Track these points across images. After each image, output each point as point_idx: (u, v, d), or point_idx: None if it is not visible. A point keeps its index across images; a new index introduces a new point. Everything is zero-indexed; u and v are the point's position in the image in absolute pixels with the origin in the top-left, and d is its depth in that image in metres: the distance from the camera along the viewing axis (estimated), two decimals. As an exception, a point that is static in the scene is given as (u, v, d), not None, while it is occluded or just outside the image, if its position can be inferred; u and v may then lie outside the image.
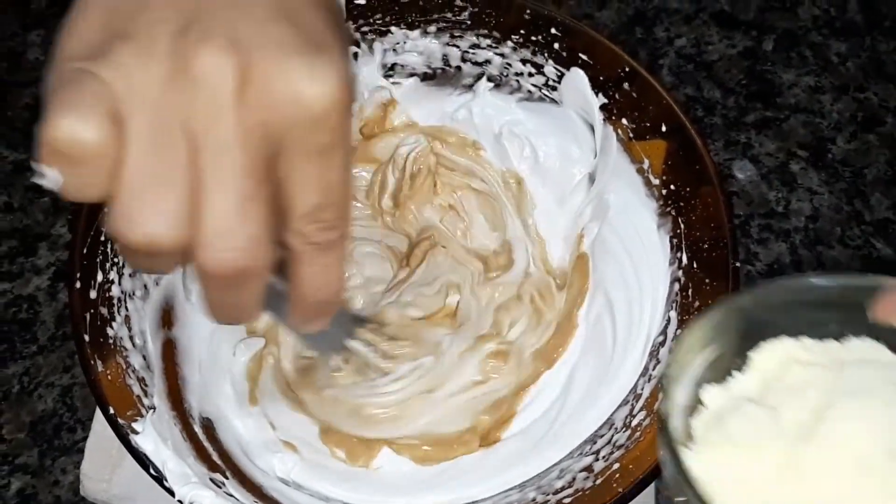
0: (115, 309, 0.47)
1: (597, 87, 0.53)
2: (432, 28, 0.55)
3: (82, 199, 0.26)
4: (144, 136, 0.26)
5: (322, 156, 0.28)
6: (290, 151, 0.27)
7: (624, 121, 0.53)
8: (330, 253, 0.30)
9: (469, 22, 0.55)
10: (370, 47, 0.56)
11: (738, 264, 0.46)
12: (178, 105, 0.26)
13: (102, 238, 0.47)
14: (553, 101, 0.56)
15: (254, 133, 0.26)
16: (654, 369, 0.48)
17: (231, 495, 0.43)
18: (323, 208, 0.28)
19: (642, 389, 0.47)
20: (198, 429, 0.47)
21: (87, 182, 0.25)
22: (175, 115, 0.26)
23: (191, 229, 0.26)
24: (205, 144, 0.26)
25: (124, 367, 0.45)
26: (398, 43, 0.56)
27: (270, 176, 0.27)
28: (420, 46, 0.56)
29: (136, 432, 0.43)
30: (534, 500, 0.45)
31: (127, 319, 0.47)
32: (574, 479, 0.45)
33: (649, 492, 0.50)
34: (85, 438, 0.54)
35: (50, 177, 0.25)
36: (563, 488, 0.45)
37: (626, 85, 0.52)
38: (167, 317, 0.50)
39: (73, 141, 0.25)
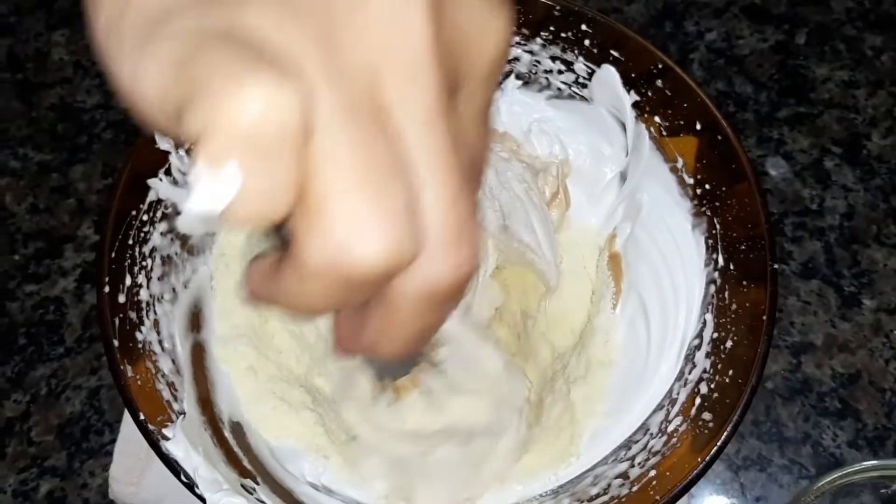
0: (144, 313, 0.46)
1: (628, 83, 0.52)
2: (460, 25, 0.55)
3: (263, 215, 0.18)
4: (339, 104, 0.18)
5: (487, 109, 0.23)
6: (461, 105, 0.22)
7: (656, 118, 0.52)
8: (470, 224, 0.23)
9: (497, 19, 0.54)
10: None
11: (776, 266, 0.45)
12: (359, 61, 0.19)
13: (130, 241, 0.47)
14: (583, 98, 0.55)
15: (445, 90, 0.20)
16: (689, 373, 0.47)
17: (262, 502, 0.43)
18: (470, 170, 0.23)
19: (678, 394, 0.47)
20: (228, 434, 0.47)
21: (279, 182, 0.18)
22: (361, 72, 0.19)
23: (416, 240, 0.20)
24: (405, 111, 0.19)
25: (154, 371, 0.45)
26: (425, 41, 0.55)
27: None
28: (447, 44, 0.56)
29: (166, 438, 0.42)
30: (568, 506, 0.44)
31: (156, 323, 0.47)
32: (609, 485, 0.44)
33: (682, 502, 0.49)
34: (113, 441, 0.54)
35: (225, 178, 0.17)
36: (597, 495, 0.44)
37: (658, 81, 0.51)
38: (196, 320, 0.50)
39: (268, 115, 0.17)
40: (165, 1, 0.19)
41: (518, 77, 0.56)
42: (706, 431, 0.43)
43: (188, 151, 0.49)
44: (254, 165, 0.17)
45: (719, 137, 0.49)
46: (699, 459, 0.41)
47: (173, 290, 0.49)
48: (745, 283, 0.46)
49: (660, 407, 0.47)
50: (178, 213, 0.49)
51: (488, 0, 0.22)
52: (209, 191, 0.17)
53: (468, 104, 0.22)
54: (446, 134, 0.20)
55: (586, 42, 0.52)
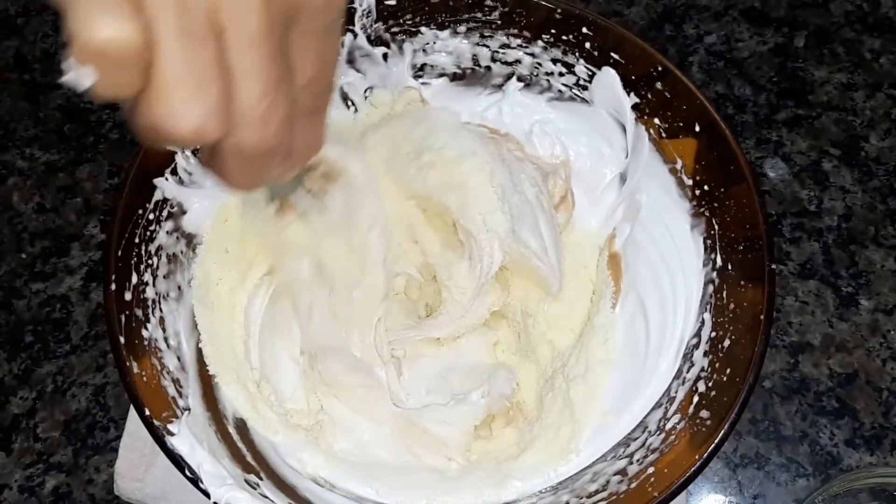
0: (150, 310, 0.47)
1: (628, 86, 0.53)
2: (462, 28, 0.55)
3: (114, 96, 0.26)
4: (174, 30, 0.26)
5: (325, 34, 0.31)
6: (298, 30, 0.29)
7: (656, 120, 0.52)
8: (317, 119, 0.34)
9: (499, 22, 0.54)
10: (400, 48, 0.56)
11: (774, 266, 0.45)
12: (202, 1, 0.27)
13: (137, 240, 0.47)
14: (584, 100, 0.55)
15: (276, 17, 0.28)
16: (688, 372, 0.47)
17: (266, 497, 0.43)
18: (318, 80, 0.31)
19: (676, 392, 0.47)
20: (232, 430, 0.47)
21: (121, 80, 0.26)
22: (200, 7, 0.26)
23: (228, 117, 0.28)
24: (234, 34, 0.27)
25: (159, 368, 0.46)
26: (428, 43, 0.56)
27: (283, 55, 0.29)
28: (450, 46, 0.56)
29: (171, 434, 0.43)
30: (567, 503, 0.45)
31: (161, 321, 0.47)
32: (608, 482, 0.45)
33: (680, 499, 0.50)
34: (118, 437, 0.54)
35: (83, 74, 0.25)
36: (596, 491, 0.45)
37: (658, 84, 0.51)
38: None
39: (111, 40, 0.25)
40: None
41: (520, 79, 0.57)
42: (704, 429, 0.44)
43: (193, 151, 0.50)
44: (103, 70, 0.25)
45: (718, 139, 0.49)
46: (697, 456, 0.42)
47: (179, 287, 0.50)
48: (743, 283, 0.47)
49: (658, 405, 0.47)
50: (183, 212, 0.50)
51: None
52: (75, 77, 0.25)
53: (305, 33, 0.30)
54: (265, 49, 0.28)
55: (587, 45, 0.53)
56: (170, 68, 0.27)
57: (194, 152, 0.50)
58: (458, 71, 0.57)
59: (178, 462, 0.42)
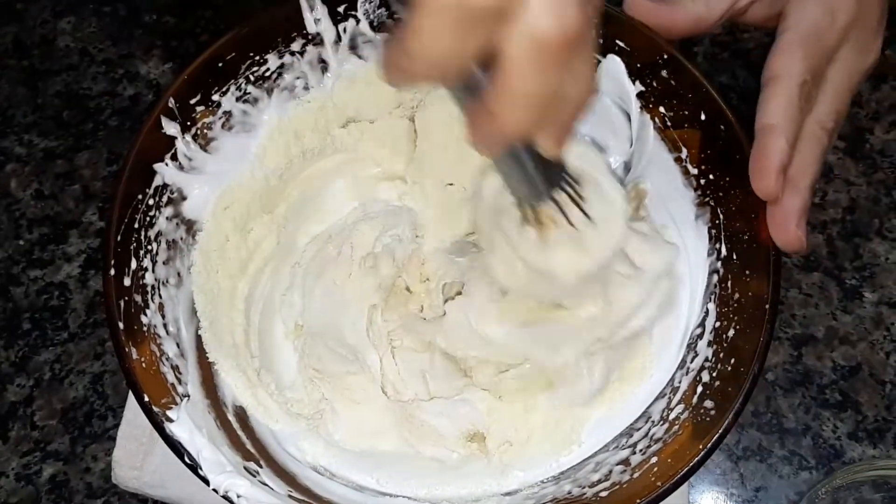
0: (149, 296, 0.47)
1: (634, 74, 0.52)
2: (465, 15, 0.55)
3: None
4: None
5: None
6: None
7: (661, 109, 0.52)
8: (589, 60, 0.29)
9: (503, 8, 0.54)
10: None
11: (779, 256, 0.45)
12: None
13: (136, 225, 0.47)
14: (588, 88, 0.55)
15: None
16: (691, 362, 0.47)
17: (265, 484, 0.43)
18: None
19: (679, 382, 0.47)
20: (231, 417, 0.47)
21: None
22: None
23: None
24: None
25: (158, 354, 0.45)
26: (430, 30, 0.55)
27: None
28: (453, 33, 0.56)
29: (170, 420, 0.42)
30: (569, 492, 0.45)
31: (161, 307, 0.47)
32: (610, 471, 0.44)
33: (682, 490, 0.50)
34: (116, 426, 0.54)
35: None
36: (599, 481, 0.44)
37: (664, 72, 0.51)
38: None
39: None
40: None
41: (523, 67, 0.56)
42: (707, 419, 0.43)
43: (194, 137, 0.49)
44: None
45: (723, 128, 0.49)
46: (701, 446, 0.42)
47: (178, 274, 0.49)
48: (747, 273, 0.46)
49: (661, 395, 0.47)
50: (184, 198, 0.50)
51: None
52: None
53: None
54: None
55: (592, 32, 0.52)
56: None
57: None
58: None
59: (177, 449, 0.42)
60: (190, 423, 0.43)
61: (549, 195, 0.38)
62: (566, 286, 0.42)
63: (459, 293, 0.50)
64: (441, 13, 0.24)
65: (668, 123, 0.52)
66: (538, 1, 0.25)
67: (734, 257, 0.48)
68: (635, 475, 0.43)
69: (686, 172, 0.51)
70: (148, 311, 0.46)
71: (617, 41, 0.52)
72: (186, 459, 0.42)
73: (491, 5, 0.24)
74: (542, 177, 0.36)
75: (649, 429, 0.46)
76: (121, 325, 0.44)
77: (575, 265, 0.41)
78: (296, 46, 0.53)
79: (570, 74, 0.27)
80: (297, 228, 0.55)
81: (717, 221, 0.49)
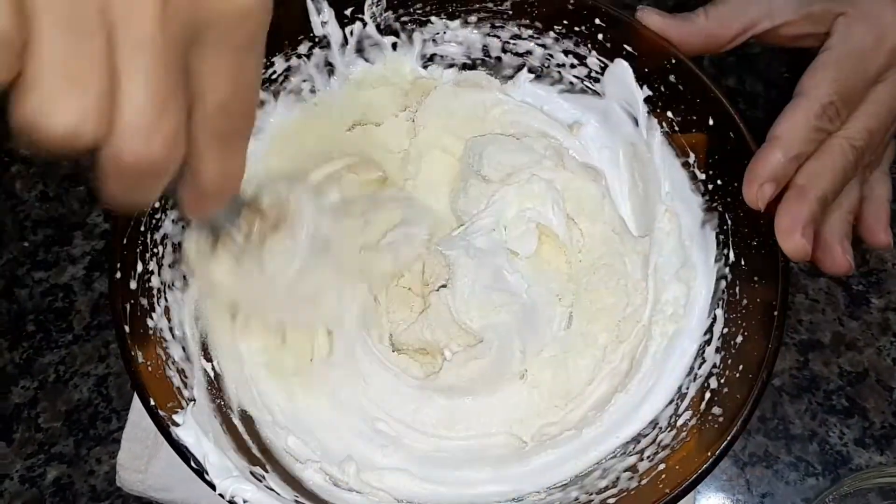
0: (155, 300, 0.47)
1: (641, 78, 0.52)
2: (473, 18, 0.55)
3: None
4: (59, 20, 0.25)
5: (239, 53, 0.29)
6: (208, 46, 0.28)
7: (669, 113, 0.52)
8: (234, 146, 0.32)
9: (510, 12, 0.54)
10: (410, 37, 0.55)
11: (789, 263, 0.45)
12: None
13: (142, 228, 0.47)
14: (595, 92, 0.55)
15: (173, 25, 0.27)
16: (699, 368, 0.47)
17: (271, 489, 0.43)
18: (232, 102, 0.30)
19: (687, 389, 0.47)
20: (237, 421, 0.47)
21: None
22: (91, 3, 0.25)
23: (108, 122, 0.26)
24: (124, 35, 0.26)
25: (164, 358, 0.45)
26: (438, 33, 0.55)
27: (183, 68, 0.28)
28: (460, 37, 0.55)
29: (176, 424, 0.42)
30: (577, 499, 0.44)
31: (167, 310, 0.47)
32: (618, 478, 0.44)
33: (688, 497, 0.49)
34: (120, 429, 0.54)
35: None
36: (606, 488, 0.44)
37: (671, 77, 0.51)
38: (205, 308, 0.50)
39: None
40: None
41: (530, 70, 0.56)
42: (716, 426, 0.43)
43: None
44: None
45: (731, 133, 0.49)
46: (709, 453, 0.41)
47: (184, 277, 0.49)
48: (756, 279, 0.46)
49: (669, 401, 0.47)
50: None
51: None
52: None
53: (216, 49, 0.28)
54: (157, 53, 0.26)
55: (599, 36, 0.52)
56: (46, 54, 0.25)
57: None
58: (468, 61, 0.57)
59: (183, 453, 0.42)
60: (196, 427, 0.42)
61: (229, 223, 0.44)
62: None
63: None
64: (26, 135, 0.26)
65: (676, 128, 0.52)
66: (122, 135, 0.27)
67: (742, 263, 0.47)
68: (643, 482, 0.43)
69: (694, 178, 0.51)
70: (154, 315, 0.46)
71: (625, 45, 0.52)
72: (192, 464, 0.41)
73: (65, 137, 0.26)
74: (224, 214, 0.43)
75: (657, 435, 0.45)
76: (127, 328, 0.44)
77: None
78: (302, 49, 0.53)
79: (206, 164, 0.31)
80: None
81: (725, 227, 0.49)
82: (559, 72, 0.55)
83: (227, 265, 0.45)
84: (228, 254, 0.45)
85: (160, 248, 0.48)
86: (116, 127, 0.27)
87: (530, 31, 0.54)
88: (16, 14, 0.24)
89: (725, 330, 0.47)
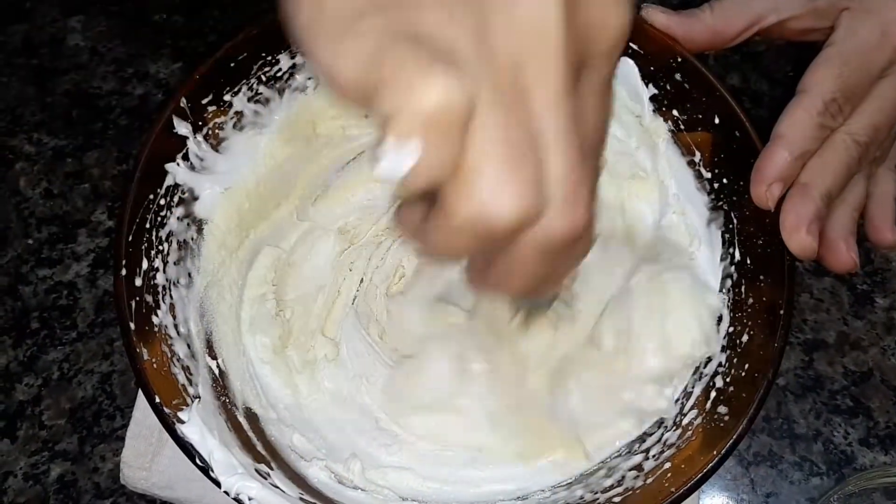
0: (160, 297, 0.46)
1: (647, 76, 0.52)
2: (478, 16, 0.54)
3: (426, 182, 0.23)
4: (491, 91, 0.23)
5: (608, 86, 0.27)
6: (586, 84, 0.26)
7: (674, 112, 0.52)
8: (591, 193, 0.28)
9: (516, 10, 0.54)
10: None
11: (795, 262, 0.45)
12: (505, 51, 0.23)
13: (147, 225, 0.47)
14: (600, 91, 0.55)
15: (573, 71, 0.25)
16: (705, 367, 0.47)
17: (277, 486, 0.43)
18: (601, 144, 0.28)
19: (693, 388, 0.47)
20: (242, 419, 0.47)
21: (444, 155, 0.22)
22: (507, 62, 0.23)
23: (543, 194, 0.24)
24: (539, 94, 0.24)
25: (169, 355, 0.45)
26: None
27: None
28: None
29: (181, 422, 0.42)
30: (582, 498, 0.44)
31: (172, 308, 0.47)
32: (623, 477, 0.44)
33: (692, 496, 0.49)
34: (124, 426, 0.54)
35: (406, 153, 0.22)
36: (611, 487, 0.44)
37: (677, 75, 0.51)
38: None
39: (443, 104, 0.21)
40: (359, 1, 0.24)
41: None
42: (721, 425, 0.43)
43: (205, 137, 0.49)
44: (431, 142, 0.22)
45: (737, 132, 0.49)
46: (715, 452, 0.41)
47: (189, 275, 0.49)
48: (761, 278, 0.46)
49: (675, 400, 0.47)
50: (195, 198, 0.49)
51: None
52: (395, 160, 0.22)
53: (590, 79, 0.26)
54: (569, 112, 0.24)
55: (605, 35, 0.52)
56: (492, 138, 0.23)
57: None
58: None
59: (188, 451, 0.42)
60: (201, 424, 0.42)
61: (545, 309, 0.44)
62: None
63: None
64: (466, 232, 0.24)
65: (681, 127, 0.52)
66: (554, 208, 0.25)
67: (748, 262, 0.47)
68: (648, 481, 0.43)
69: (699, 176, 0.51)
70: (159, 312, 0.46)
71: (630, 44, 0.52)
72: (198, 461, 0.41)
73: (511, 228, 0.24)
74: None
75: (662, 434, 0.45)
76: (132, 325, 0.44)
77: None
78: (308, 47, 0.53)
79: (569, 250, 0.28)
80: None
81: (730, 226, 0.49)
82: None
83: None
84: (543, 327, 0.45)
85: (165, 245, 0.48)
86: (546, 199, 0.24)
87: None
88: (466, 86, 0.22)
89: (731, 329, 0.47)
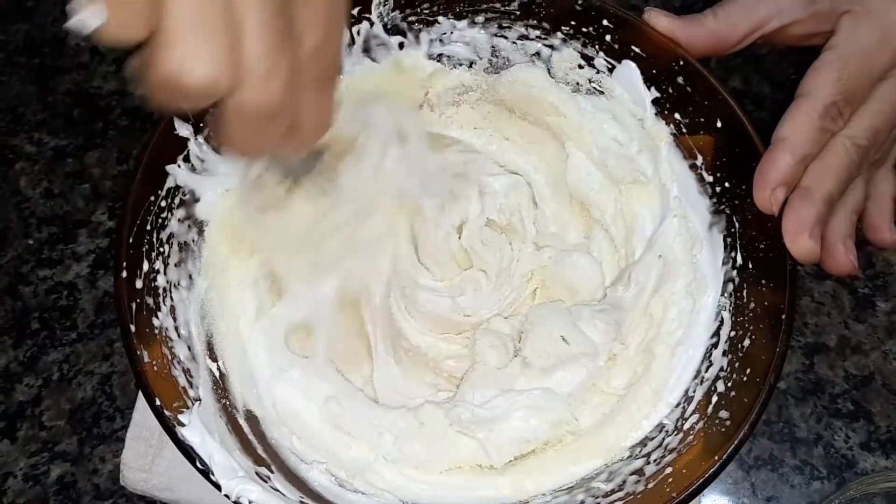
0: (161, 299, 0.46)
1: (649, 80, 0.52)
2: (480, 18, 0.54)
3: (123, 39, 0.26)
4: None
5: (330, 1, 0.31)
6: None
7: (676, 115, 0.51)
8: (327, 90, 0.34)
9: (518, 12, 0.53)
10: (416, 37, 0.55)
11: (797, 266, 0.44)
12: None
13: (148, 227, 0.46)
14: (603, 93, 0.54)
15: None
16: (706, 371, 0.47)
17: (277, 490, 0.43)
18: (326, 47, 0.32)
19: (694, 392, 0.46)
20: (242, 422, 0.47)
21: (131, 19, 0.26)
22: None
23: (236, 70, 0.28)
24: None
25: (170, 357, 0.45)
26: (445, 33, 0.55)
27: (288, 16, 0.30)
28: (467, 37, 0.55)
29: (182, 424, 0.42)
30: (582, 502, 0.44)
31: (172, 310, 0.47)
32: (624, 482, 0.44)
33: (693, 502, 0.49)
34: (124, 427, 0.54)
35: (93, 13, 0.25)
36: (612, 491, 0.44)
37: (679, 78, 0.51)
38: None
39: None
40: None
41: (538, 71, 0.56)
42: (723, 429, 0.43)
43: (206, 139, 0.49)
44: (117, 5, 0.26)
45: (740, 135, 0.48)
46: (716, 457, 0.41)
47: (190, 276, 0.49)
48: (763, 282, 0.46)
49: (676, 404, 0.47)
50: (196, 199, 0.49)
51: None
52: (83, 17, 0.26)
53: (310, 2, 0.30)
54: (268, 5, 0.28)
55: (607, 37, 0.52)
56: (184, 12, 0.27)
57: (200, 133, 0.49)
58: (476, 62, 0.57)
59: (188, 453, 0.41)
60: (202, 427, 0.42)
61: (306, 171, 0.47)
62: None
63: None
64: (165, 90, 0.29)
65: (684, 130, 0.52)
66: (247, 83, 0.29)
67: (750, 266, 0.47)
68: (650, 486, 0.43)
69: (701, 180, 0.51)
70: (160, 314, 0.46)
71: (633, 47, 0.52)
72: (198, 464, 0.41)
73: (203, 90, 0.28)
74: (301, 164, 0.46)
75: (663, 438, 0.45)
76: (132, 327, 0.44)
77: None
78: (310, 48, 0.53)
79: (304, 108, 0.33)
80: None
81: (732, 230, 0.49)
82: (566, 73, 0.55)
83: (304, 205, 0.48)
84: (304, 194, 0.47)
85: (166, 247, 0.47)
86: (241, 74, 0.28)
87: (538, 32, 0.54)
88: None
89: (733, 333, 0.46)
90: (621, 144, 0.54)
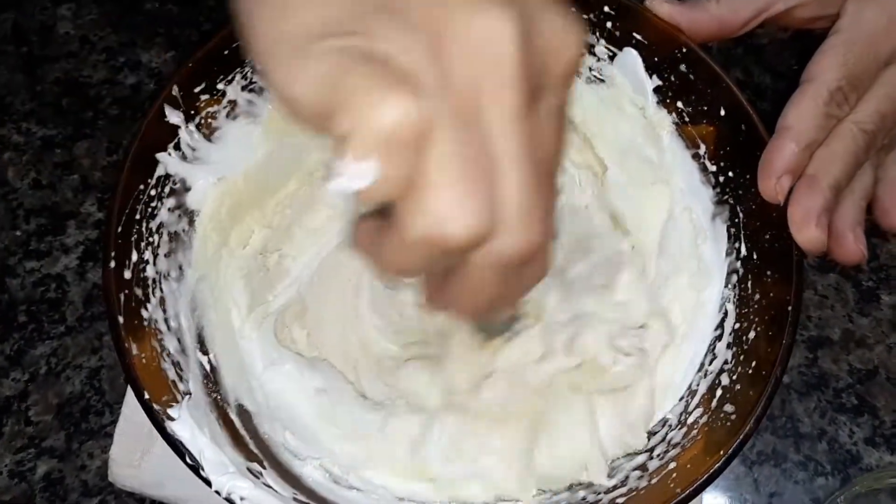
0: (150, 290, 0.45)
1: (650, 67, 0.51)
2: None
3: (381, 197, 0.24)
4: (448, 110, 0.24)
5: (562, 110, 0.28)
6: (542, 107, 0.26)
7: (679, 104, 0.50)
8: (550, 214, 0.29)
9: None
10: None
11: (803, 257, 0.43)
12: (462, 74, 0.24)
13: (137, 216, 0.45)
14: (603, 81, 0.53)
15: (530, 91, 0.25)
16: (709, 364, 0.46)
17: (269, 486, 0.42)
18: (558, 165, 0.28)
19: (697, 386, 0.45)
20: (234, 416, 0.46)
21: (400, 173, 0.23)
22: (463, 81, 0.24)
23: (494, 216, 0.25)
24: (495, 115, 0.24)
25: (159, 350, 0.44)
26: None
27: None
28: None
29: (171, 419, 0.41)
30: (584, 498, 0.43)
31: (162, 301, 0.46)
32: (627, 477, 0.43)
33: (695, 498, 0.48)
34: (113, 422, 0.52)
35: (362, 171, 0.23)
36: (615, 487, 0.43)
37: (682, 66, 0.49)
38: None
39: (399, 123, 0.23)
40: (316, 25, 0.24)
41: (536, 59, 0.55)
42: (728, 423, 0.42)
43: (198, 127, 0.48)
44: (387, 160, 0.23)
45: (743, 125, 0.47)
46: (721, 452, 0.40)
47: (180, 267, 0.48)
48: (768, 273, 0.45)
49: (679, 398, 0.46)
50: (186, 189, 0.48)
51: (565, 16, 0.28)
52: (352, 177, 0.23)
53: (545, 104, 0.27)
54: (524, 135, 0.25)
55: (608, 24, 0.51)
56: (447, 157, 0.24)
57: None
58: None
59: (178, 449, 0.40)
60: (191, 421, 0.41)
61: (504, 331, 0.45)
62: None
63: None
64: (419, 249, 0.25)
65: (686, 119, 0.51)
66: (507, 229, 0.25)
67: (754, 257, 0.46)
68: (653, 481, 0.42)
69: (704, 169, 0.50)
70: (149, 306, 0.45)
71: (634, 34, 0.51)
72: (188, 460, 0.40)
73: (464, 246, 0.25)
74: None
75: (667, 433, 0.44)
76: (121, 319, 0.43)
77: None
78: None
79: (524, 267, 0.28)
80: None
81: (736, 220, 0.48)
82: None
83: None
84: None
85: (156, 237, 0.46)
86: (499, 219, 0.25)
87: (537, 19, 0.53)
88: (421, 106, 0.23)
89: (737, 326, 0.46)
90: (632, 142, 0.53)
